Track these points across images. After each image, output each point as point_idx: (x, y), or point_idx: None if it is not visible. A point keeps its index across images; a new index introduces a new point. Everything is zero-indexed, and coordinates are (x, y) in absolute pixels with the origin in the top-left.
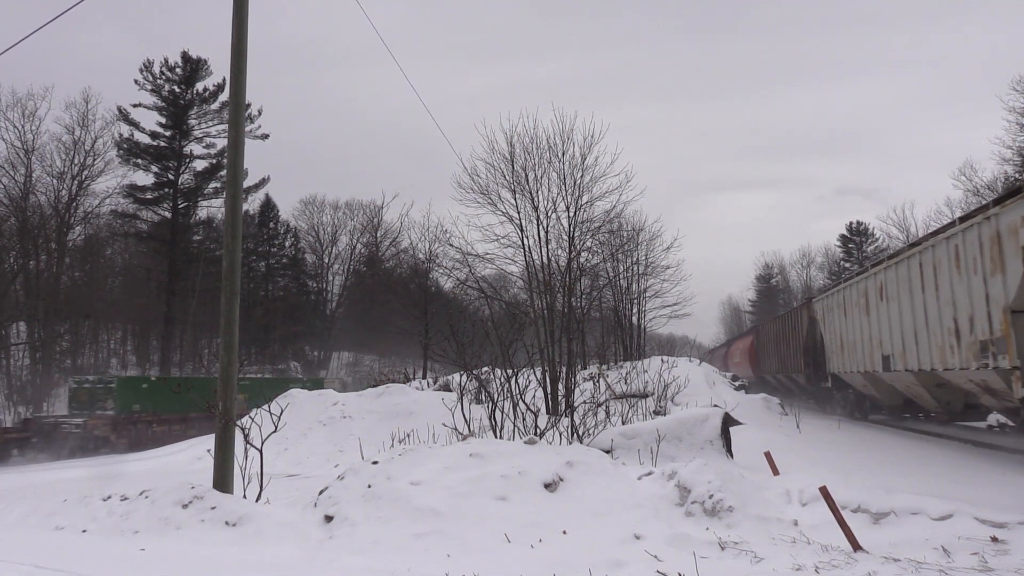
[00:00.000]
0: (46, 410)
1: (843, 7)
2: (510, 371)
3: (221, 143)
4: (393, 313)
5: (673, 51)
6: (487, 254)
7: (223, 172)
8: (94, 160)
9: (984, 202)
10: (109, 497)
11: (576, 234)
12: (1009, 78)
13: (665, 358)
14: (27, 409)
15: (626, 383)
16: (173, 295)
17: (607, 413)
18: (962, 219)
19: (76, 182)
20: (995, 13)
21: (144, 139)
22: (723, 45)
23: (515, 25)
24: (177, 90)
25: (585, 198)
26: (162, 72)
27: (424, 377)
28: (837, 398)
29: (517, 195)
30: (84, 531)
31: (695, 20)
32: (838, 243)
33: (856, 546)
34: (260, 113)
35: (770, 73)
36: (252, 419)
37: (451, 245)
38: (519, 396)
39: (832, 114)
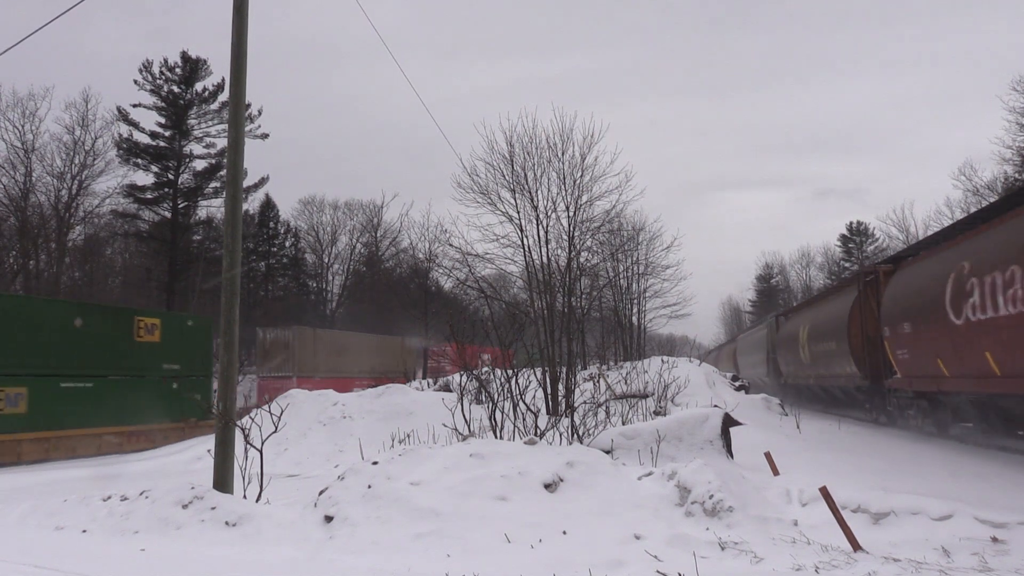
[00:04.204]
0: None
1: (849, 6)
2: (510, 371)
3: (221, 143)
4: (393, 313)
5: (673, 50)
6: (487, 254)
7: (223, 172)
8: (94, 160)
9: (983, 202)
10: (109, 497)
11: (576, 234)
12: (1009, 78)
13: (665, 358)
14: None
15: (626, 383)
16: (173, 295)
17: (607, 413)
18: None
19: (76, 182)
20: (996, 13)
21: (144, 139)
22: (724, 43)
23: (515, 25)
24: (177, 90)
25: (585, 198)
26: (162, 72)
27: (424, 377)
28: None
29: (517, 195)
30: (84, 531)
31: (695, 20)
32: (838, 243)
33: (856, 546)
34: (260, 113)
35: (772, 72)
36: (252, 419)
37: (451, 245)
38: (519, 396)
39: (832, 113)
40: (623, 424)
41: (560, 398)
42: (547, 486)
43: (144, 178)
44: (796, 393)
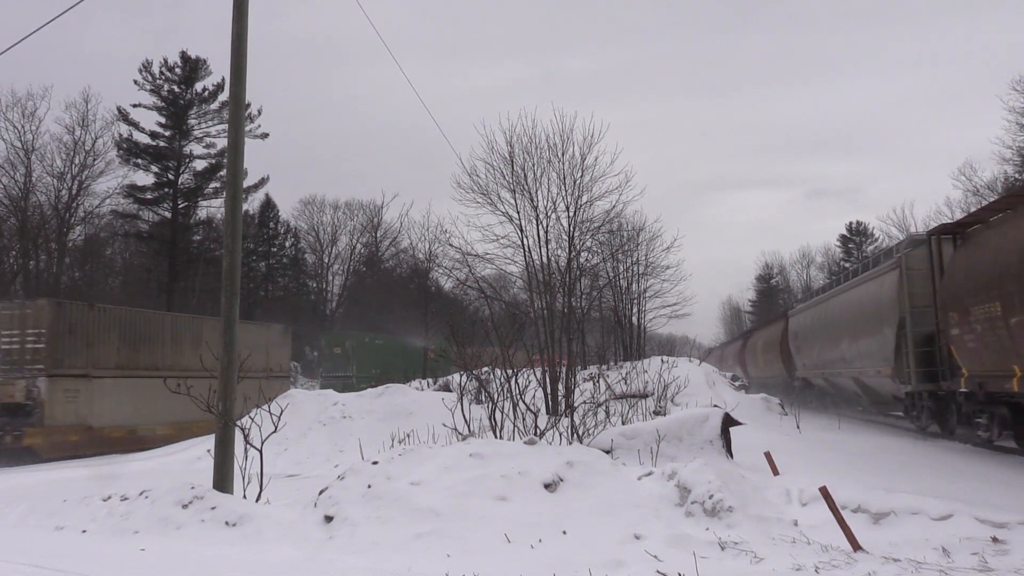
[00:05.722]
0: None
1: (849, 6)
2: (510, 371)
3: (221, 143)
4: (393, 313)
5: (673, 50)
6: (487, 254)
7: (223, 172)
8: (94, 160)
9: (983, 202)
10: (109, 497)
11: (576, 234)
12: (1009, 78)
13: (665, 358)
14: None
15: (626, 383)
16: (173, 295)
17: (607, 413)
18: None
19: (76, 182)
20: (995, 13)
21: (144, 139)
22: (725, 43)
23: (516, 25)
24: (177, 90)
25: (585, 198)
26: (161, 72)
27: (424, 377)
28: None
29: (517, 195)
30: (84, 531)
31: (695, 20)
32: (838, 243)
33: (856, 546)
34: (260, 113)
35: (772, 72)
36: (252, 419)
37: (451, 245)
38: (519, 396)
39: (832, 113)
40: (623, 424)
41: (560, 398)
42: (547, 486)
43: (144, 178)
44: None
